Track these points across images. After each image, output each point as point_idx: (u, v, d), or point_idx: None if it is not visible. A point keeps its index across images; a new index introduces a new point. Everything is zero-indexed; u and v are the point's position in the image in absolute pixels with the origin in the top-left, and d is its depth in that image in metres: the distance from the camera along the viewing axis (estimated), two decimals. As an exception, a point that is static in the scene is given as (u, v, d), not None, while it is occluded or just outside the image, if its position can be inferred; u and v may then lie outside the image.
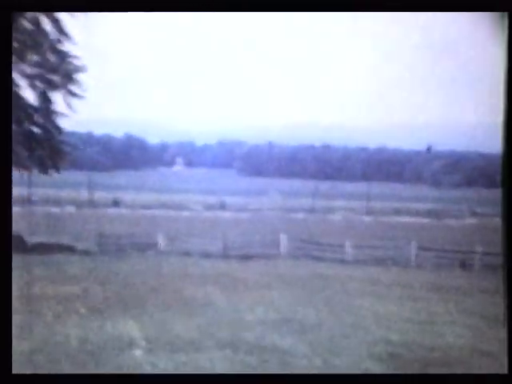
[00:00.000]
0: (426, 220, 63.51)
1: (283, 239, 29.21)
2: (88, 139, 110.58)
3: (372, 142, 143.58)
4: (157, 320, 12.46)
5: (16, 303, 12.99)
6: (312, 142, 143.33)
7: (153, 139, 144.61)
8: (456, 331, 12.76)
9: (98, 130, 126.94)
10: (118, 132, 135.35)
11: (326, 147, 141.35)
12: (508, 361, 5.36)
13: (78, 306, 12.89)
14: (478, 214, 73.06)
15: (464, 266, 28.30)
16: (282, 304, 15.23)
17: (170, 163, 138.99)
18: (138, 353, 10.34)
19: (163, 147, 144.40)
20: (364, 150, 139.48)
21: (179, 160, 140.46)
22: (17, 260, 21.91)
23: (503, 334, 13.10)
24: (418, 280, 21.94)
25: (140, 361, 9.94)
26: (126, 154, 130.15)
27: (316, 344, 11.14)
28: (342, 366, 9.84)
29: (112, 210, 58.20)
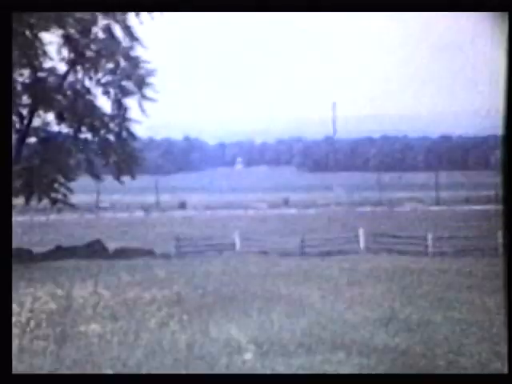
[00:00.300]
0: (498, 207, 61.68)
1: (361, 233, 28.62)
2: (149, 144, 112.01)
3: (432, 131, 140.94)
4: (260, 322, 12.13)
5: (116, 308, 12.89)
6: (370, 133, 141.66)
7: (212, 140, 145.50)
8: None
9: (157, 135, 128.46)
10: (178, 135, 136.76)
11: (385, 138, 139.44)
12: (508, 361, 5.05)
13: (177, 311, 12.68)
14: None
15: None
16: (379, 301, 14.71)
17: (230, 163, 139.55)
18: (248, 356, 10.02)
19: (222, 148, 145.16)
20: (425, 138, 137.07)
21: (239, 159, 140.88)
22: (103, 265, 21.99)
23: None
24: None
25: (252, 365, 9.62)
26: (187, 157, 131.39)
27: (432, 343, 10.60)
28: (468, 366, 9.30)
29: (179, 213, 58.61)
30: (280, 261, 24.62)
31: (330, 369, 9.37)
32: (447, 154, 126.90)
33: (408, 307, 13.78)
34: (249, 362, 9.77)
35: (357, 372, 9.31)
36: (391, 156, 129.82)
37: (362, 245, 28.27)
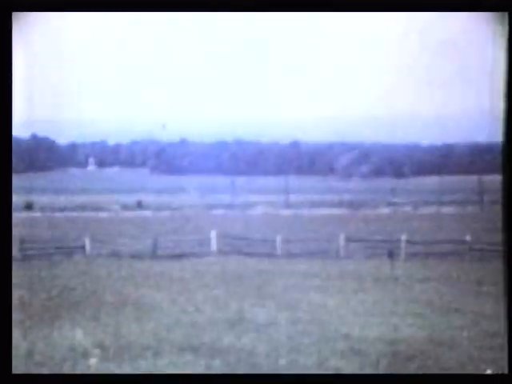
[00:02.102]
0: (344, 211, 64.69)
1: (213, 236, 28.88)
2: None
3: (285, 137, 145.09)
4: (107, 326, 11.92)
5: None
6: (225, 137, 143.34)
7: (63, 140, 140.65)
8: (408, 321, 12.87)
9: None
10: (25, 134, 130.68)
11: (238, 143, 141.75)
12: (508, 361, 5.35)
13: (18, 316, 12.14)
14: (392, 203, 75.20)
15: (392, 255, 28.84)
16: (228, 302, 14.95)
17: (83, 164, 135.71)
18: (93, 361, 9.81)
19: (73, 148, 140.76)
20: (277, 144, 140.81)
21: (91, 160, 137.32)
22: None
23: (455, 321, 13.28)
24: (353, 271, 22.17)
25: (96, 370, 9.44)
26: (34, 156, 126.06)
27: (276, 343, 10.93)
28: (308, 364, 9.67)
29: (25, 214, 56.02)
30: (131, 264, 24.32)
31: (176, 371, 9.39)
32: (296, 160, 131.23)
33: (256, 308, 14.12)
34: (93, 366, 9.58)
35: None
36: (244, 160, 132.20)
37: (213, 247, 28.56)
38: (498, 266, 26.98)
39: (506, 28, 5.03)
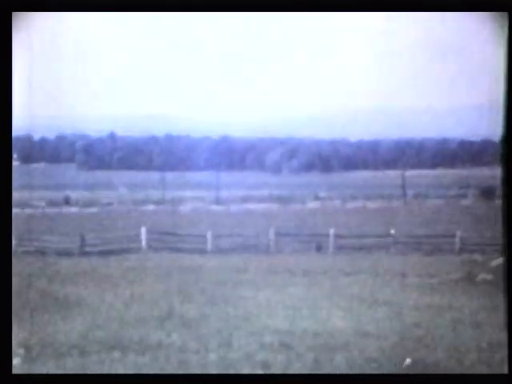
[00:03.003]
0: (274, 206, 65.19)
1: (143, 232, 28.62)
2: None
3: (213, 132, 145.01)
4: (32, 325, 11.67)
5: None
6: (156, 133, 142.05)
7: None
8: (335, 314, 13.12)
9: None
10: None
11: (169, 138, 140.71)
12: (508, 361, 5.49)
13: None
14: (320, 197, 76.33)
15: (320, 248, 29.30)
16: (157, 299, 14.87)
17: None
18: (16, 361, 9.60)
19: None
20: (207, 139, 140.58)
21: (14, 155, 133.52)
22: None
23: (380, 313, 13.61)
24: (282, 265, 22.39)
25: (20, 370, 9.25)
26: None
27: (205, 338, 10.96)
28: (237, 358, 9.75)
29: None
30: (58, 261, 23.84)
31: (104, 369, 9.30)
32: (227, 155, 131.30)
33: (185, 304, 14.10)
34: (17, 366, 9.37)
35: (133, 371, 9.35)
36: (174, 155, 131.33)
37: (143, 243, 28.31)
38: (421, 258, 27.86)
39: (506, 28, 5.05)
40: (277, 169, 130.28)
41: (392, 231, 29.90)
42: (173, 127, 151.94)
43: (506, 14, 5.12)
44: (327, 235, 29.90)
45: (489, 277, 17.27)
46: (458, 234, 29.09)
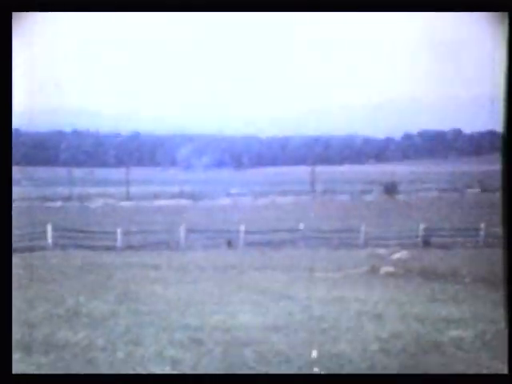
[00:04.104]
0: (185, 202, 65.01)
1: (49, 229, 27.92)
2: None
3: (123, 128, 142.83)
4: None
5: None
6: (63, 127, 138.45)
7: None
8: (244, 309, 13.27)
9: None
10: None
11: (76, 133, 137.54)
12: (508, 361, 5.62)
13: None
14: (231, 194, 76.74)
15: (230, 244, 29.55)
16: (64, 297, 14.57)
17: None
18: None
19: None
20: (117, 135, 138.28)
21: None
22: None
23: (288, 307, 13.83)
24: (193, 262, 22.42)
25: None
26: None
27: (114, 336, 10.85)
28: (146, 356, 9.72)
29: None
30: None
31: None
32: (137, 151, 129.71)
33: (93, 301, 13.89)
34: None
35: (34, 371, 9.16)
36: (83, 151, 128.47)
37: (49, 241, 27.63)
38: (328, 252, 28.46)
39: (506, 28, 5.09)
40: (188, 165, 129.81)
41: (301, 226, 30.47)
42: (82, 122, 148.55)
43: (506, 14, 5.16)
44: (238, 231, 30.15)
45: (391, 269, 17.92)
46: (363, 228, 29.98)
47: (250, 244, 29.54)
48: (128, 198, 69.34)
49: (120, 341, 10.48)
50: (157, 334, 10.96)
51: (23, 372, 9.13)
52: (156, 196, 70.46)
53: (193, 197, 70.39)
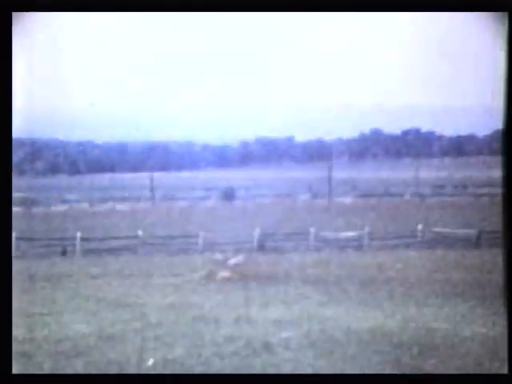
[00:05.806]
0: (17, 209, 61.94)
1: None
2: None
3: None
4: None
5: None
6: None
7: None
8: (78, 318, 12.96)
9: None
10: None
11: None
12: (508, 361, 5.60)
13: None
14: (67, 200, 74.52)
15: (65, 253, 28.77)
16: None
17: None
18: None
19: None
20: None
21: None
22: None
23: (124, 315, 13.59)
24: (26, 271, 21.48)
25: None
26: None
27: None
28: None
29: None
30: None
31: None
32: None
33: None
34: None
35: None
36: None
37: None
38: (167, 258, 28.38)
39: (506, 28, 5.04)
40: (20, 171, 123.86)
41: (139, 233, 30.24)
42: None
43: (506, 14, 5.14)
44: (74, 238, 29.36)
45: (227, 274, 18.28)
46: (201, 234, 30.29)
47: (87, 251, 28.89)
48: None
49: None
50: (43, 327, 10.48)
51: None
52: (63, 200, 66.88)
53: (25, 204, 67.21)
